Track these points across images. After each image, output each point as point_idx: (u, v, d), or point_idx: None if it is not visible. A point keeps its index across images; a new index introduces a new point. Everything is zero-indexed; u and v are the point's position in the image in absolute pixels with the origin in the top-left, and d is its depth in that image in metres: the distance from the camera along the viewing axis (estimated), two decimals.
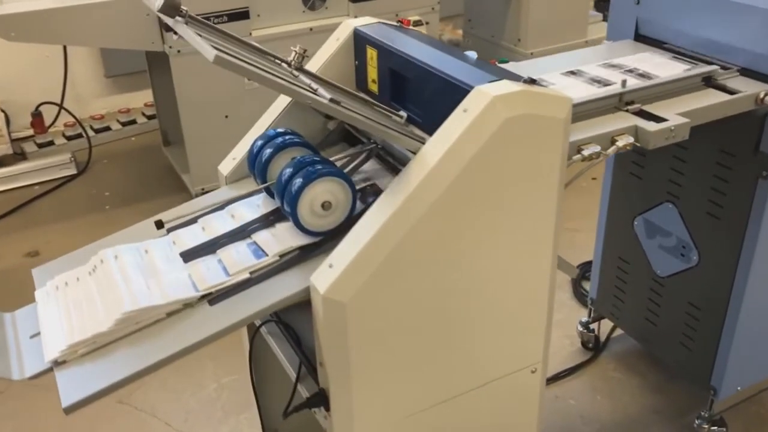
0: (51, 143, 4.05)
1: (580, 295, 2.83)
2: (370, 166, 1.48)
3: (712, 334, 2.04)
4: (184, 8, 1.19)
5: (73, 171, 3.88)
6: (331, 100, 1.14)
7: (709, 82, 1.69)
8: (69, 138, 4.10)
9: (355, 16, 3.20)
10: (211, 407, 2.40)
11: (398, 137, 1.27)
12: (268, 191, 1.44)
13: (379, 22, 1.61)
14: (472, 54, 1.44)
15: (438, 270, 1.24)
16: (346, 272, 1.15)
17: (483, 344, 1.38)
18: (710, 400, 2.11)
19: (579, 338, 2.58)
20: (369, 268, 1.16)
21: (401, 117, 1.41)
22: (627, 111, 1.54)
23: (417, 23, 3.34)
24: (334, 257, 1.18)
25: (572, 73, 1.72)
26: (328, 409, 1.28)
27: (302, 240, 1.31)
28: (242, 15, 3.09)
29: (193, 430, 2.32)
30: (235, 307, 1.21)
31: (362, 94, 1.48)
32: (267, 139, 1.44)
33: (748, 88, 1.66)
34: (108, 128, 4.24)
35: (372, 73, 1.55)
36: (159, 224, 1.32)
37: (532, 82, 1.26)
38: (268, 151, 1.41)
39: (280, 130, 1.47)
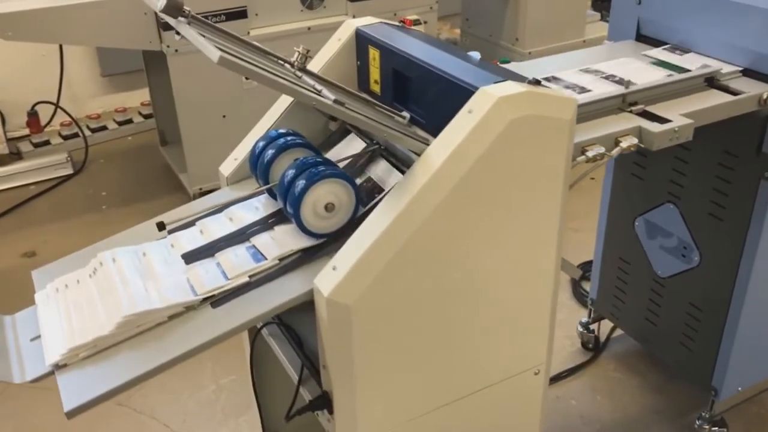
0: (47, 143, 4.02)
1: (579, 296, 2.82)
2: (373, 167, 1.47)
3: (713, 335, 2.04)
4: (187, 8, 1.18)
5: (69, 171, 3.85)
6: (335, 101, 1.14)
7: (711, 82, 1.69)
8: (65, 137, 4.08)
9: (354, 16, 3.20)
10: (211, 409, 2.39)
11: (401, 138, 1.26)
12: (270, 192, 1.43)
13: (381, 22, 1.60)
14: (476, 54, 1.43)
15: (443, 272, 1.24)
16: (350, 274, 1.14)
17: (487, 346, 1.38)
18: (711, 401, 2.11)
19: (579, 339, 2.58)
20: (373, 271, 1.16)
21: (404, 118, 1.40)
22: (630, 112, 1.54)
23: (415, 22, 3.33)
24: (338, 259, 1.17)
25: (547, 80, 1.68)
26: (331, 412, 1.27)
27: (302, 242, 1.30)
28: (240, 14, 3.08)
29: None
30: (238, 310, 1.20)
31: (365, 95, 1.48)
32: (269, 140, 1.43)
33: (751, 88, 1.66)
34: (104, 128, 4.22)
35: (374, 73, 1.54)
36: (161, 226, 1.31)
37: (536, 83, 1.25)
38: (270, 152, 1.40)
39: (282, 130, 1.46)
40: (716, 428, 2.15)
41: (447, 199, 1.17)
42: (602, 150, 1.41)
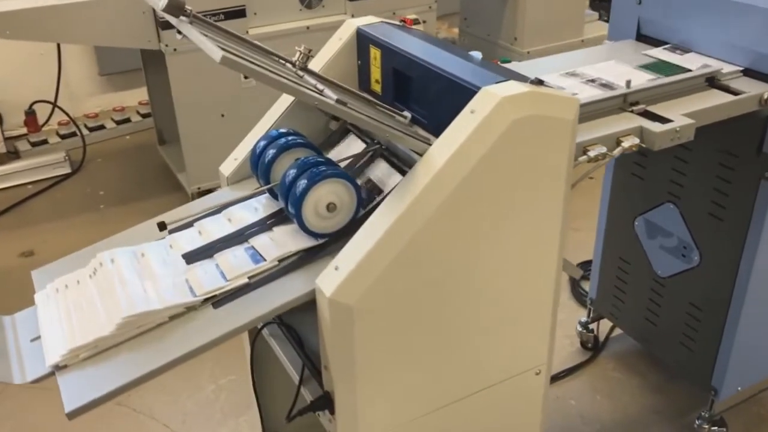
0: (45, 142, 4.01)
1: (578, 295, 2.82)
2: (373, 168, 1.47)
3: (712, 335, 2.04)
4: (189, 8, 1.17)
5: (67, 170, 3.84)
6: (337, 100, 1.13)
7: (712, 82, 1.69)
8: (63, 137, 4.07)
9: (352, 15, 3.20)
10: (210, 409, 2.38)
11: (403, 138, 1.26)
12: (272, 192, 1.43)
13: (382, 22, 1.59)
14: (477, 54, 1.43)
15: (445, 271, 1.23)
16: (352, 275, 1.14)
17: (488, 346, 1.37)
18: (711, 401, 2.11)
19: (578, 338, 2.58)
20: (376, 271, 1.15)
21: (405, 117, 1.40)
22: (632, 112, 1.54)
23: (415, 22, 3.32)
24: (340, 259, 1.17)
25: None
26: (333, 412, 1.27)
27: (302, 243, 1.30)
28: (239, 13, 3.07)
29: None
30: (240, 310, 1.20)
31: (366, 95, 1.47)
32: (270, 139, 1.42)
33: (751, 88, 1.66)
34: (102, 127, 4.21)
35: (375, 73, 1.54)
36: (162, 226, 1.30)
37: (539, 82, 1.25)
38: (271, 152, 1.39)
39: (282, 130, 1.45)
40: (716, 428, 2.15)
41: (449, 199, 1.17)
42: (604, 150, 1.41)
